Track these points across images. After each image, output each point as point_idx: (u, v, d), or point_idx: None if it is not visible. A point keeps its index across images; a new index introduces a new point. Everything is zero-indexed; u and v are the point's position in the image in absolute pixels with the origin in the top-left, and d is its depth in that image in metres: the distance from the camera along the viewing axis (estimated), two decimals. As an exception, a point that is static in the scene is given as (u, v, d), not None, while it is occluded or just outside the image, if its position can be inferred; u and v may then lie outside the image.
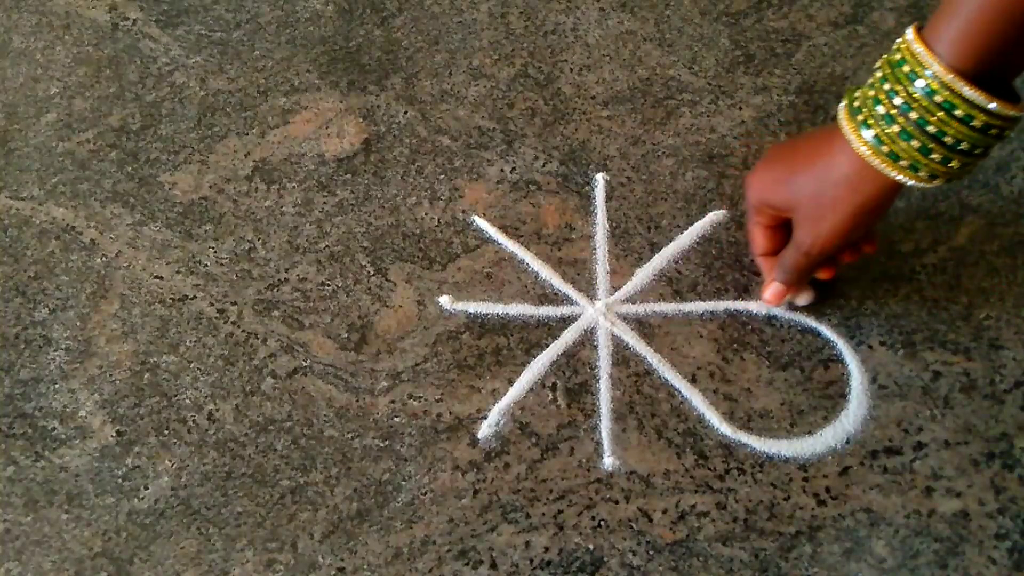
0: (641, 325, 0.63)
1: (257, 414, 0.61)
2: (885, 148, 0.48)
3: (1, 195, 0.70)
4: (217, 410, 0.61)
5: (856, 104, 0.50)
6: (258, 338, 0.64)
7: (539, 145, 0.71)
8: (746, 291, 0.64)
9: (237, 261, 0.67)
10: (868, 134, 0.48)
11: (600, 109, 0.72)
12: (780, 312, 0.63)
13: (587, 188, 0.69)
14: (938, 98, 0.45)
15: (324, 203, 0.69)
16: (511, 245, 0.67)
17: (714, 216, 0.67)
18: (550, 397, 0.61)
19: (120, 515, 0.58)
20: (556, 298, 0.65)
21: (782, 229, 0.59)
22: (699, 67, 0.74)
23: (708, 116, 0.72)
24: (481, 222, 0.68)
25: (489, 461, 0.59)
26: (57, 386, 0.62)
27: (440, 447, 0.59)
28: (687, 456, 0.59)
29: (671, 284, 0.65)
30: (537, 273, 0.66)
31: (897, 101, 0.47)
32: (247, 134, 0.73)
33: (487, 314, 0.64)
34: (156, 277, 0.66)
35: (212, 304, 0.65)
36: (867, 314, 0.63)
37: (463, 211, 0.68)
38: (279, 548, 0.57)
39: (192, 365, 0.63)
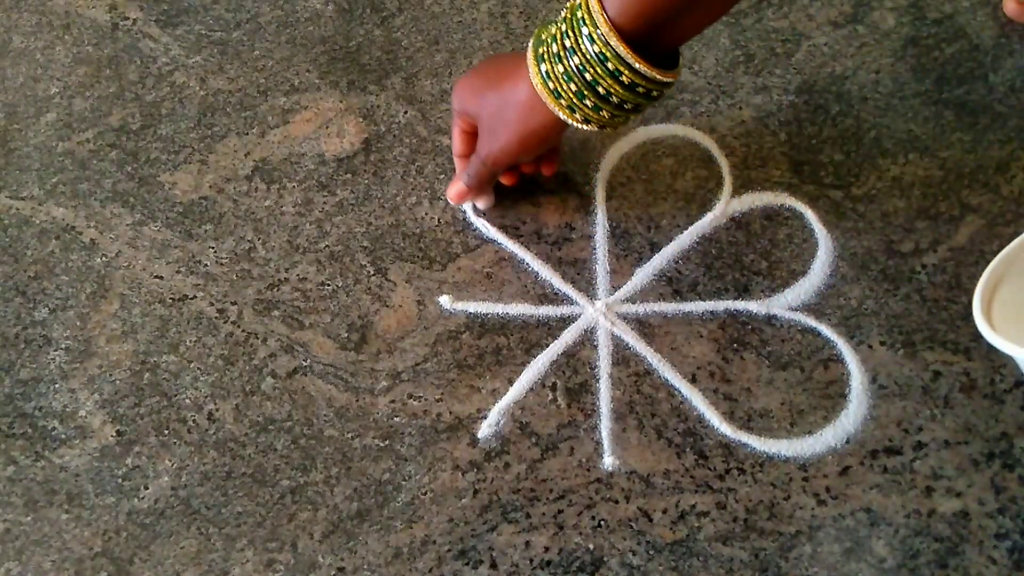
0: (641, 325, 0.63)
1: (257, 414, 0.61)
2: (551, 85, 0.52)
3: (1, 195, 0.70)
4: (217, 410, 0.61)
5: (542, 37, 0.54)
6: (258, 338, 0.64)
7: (539, 145, 0.71)
8: (746, 291, 0.64)
9: (237, 261, 0.67)
10: (542, 68, 0.53)
11: (600, 109, 0.72)
12: (780, 312, 0.63)
13: (587, 188, 0.69)
14: (596, 49, 0.49)
15: (324, 203, 0.69)
16: (511, 245, 0.67)
17: (714, 216, 0.67)
18: (550, 397, 0.61)
19: (120, 515, 0.58)
20: (556, 298, 0.65)
21: (476, 136, 0.62)
22: (699, 67, 0.74)
23: (708, 116, 0.72)
24: (481, 222, 0.68)
25: (489, 461, 0.59)
26: (57, 386, 0.62)
27: (440, 447, 0.59)
28: (687, 456, 0.59)
29: (671, 284, 0.65)
30: (537, 273, 0.66)
31: (567, 43, 0.51)
32: (247, 134, 0.73)
33: (487, 314, 0.64)
34: (156, 277, 0.66)
35: (212, 304, 0.65)
36: (867, 314, 0.63)
37: (463, 211, 0.68)
38: (279, 548, 0.57)
39: (192, 365, 0.63)
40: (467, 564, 0.56)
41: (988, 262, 0.64)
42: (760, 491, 0.57)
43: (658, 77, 0.50)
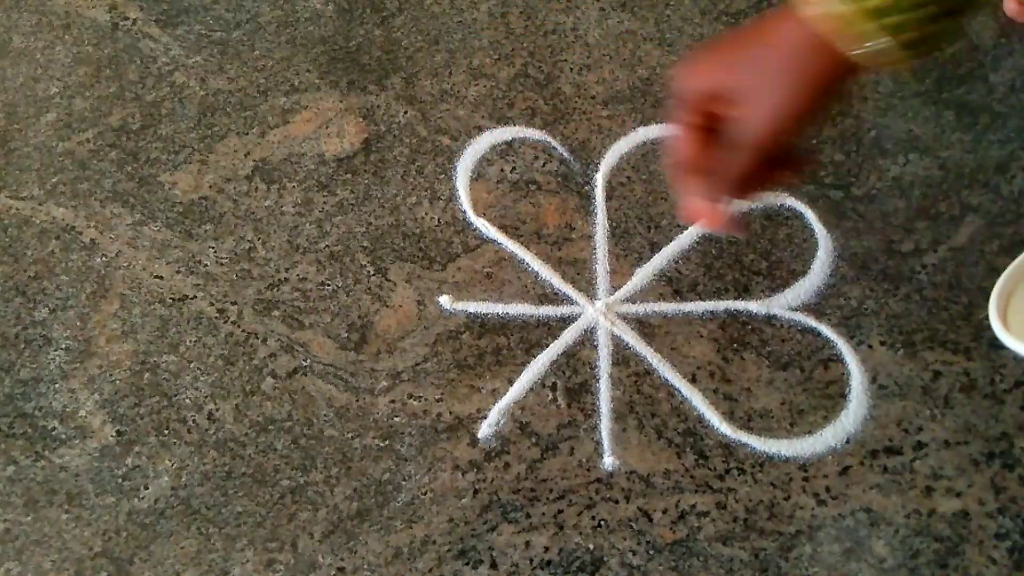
0: (641, 325, 0.63)
1: (257, 414, 0.61)
2: (836, 7, 0.42)
3: (1, 195, 0.70)
4: (217, 410, 0.61)
5: None
6: (258, 338, 0.64)
7: (539, 145, 0.71)
8: (746, 291, 0.64)
9: (237, 261, 0.67)
10: None
11: (600, 109, 0.72)
12: (780, 312, 0.63)
13: (587, 188, 0.69)
14: None
15: (324, 203, 0.69)
16: (511, 245, 0.67)
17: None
18: (550, 397, 0.61)
19: (120, 515, 0.58)
20: (556, 298, 0.65)
21: (712, 137, 0.48)
22: (699, 67, 0.74)
23: (708, 116, 0.72)
24: (481, 222, 0.68)
25: (489, 461, 0.59)
26: (57, 386, 0.62)
27: (440, 447, 0.59)
28: (687, 456, 0.59)
29: (671, 284, 0.65)
30: (537, 273, 0.66)
31: None
32: (247, 134, 0.73)
33: (487, 314, 0.64)
34: (156, 277, 0.66)
35: (212, 304, 0.65)
36: (867, 314, 0.63)
37: (463, 211, 0.68)
38: (279, 548, 0.57)
39: (192, 365, 0.63)
40: (467, 564, 0.56)
41: (988, 262, 0.64)
42: (760, 491, 0.57)
43: None
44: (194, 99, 0.75)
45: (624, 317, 0.64)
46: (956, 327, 0.62)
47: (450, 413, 0.60)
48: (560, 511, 0.57)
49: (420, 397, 0.61)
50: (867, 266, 0.65)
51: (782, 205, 0.68)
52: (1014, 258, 0.61)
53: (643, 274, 0.65)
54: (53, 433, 0.61)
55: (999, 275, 0.61)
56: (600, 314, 0.64)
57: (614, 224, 0.68)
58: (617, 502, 0.57)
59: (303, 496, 0.58)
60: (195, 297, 0.65)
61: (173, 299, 0.65)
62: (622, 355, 0.62)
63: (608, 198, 0.68)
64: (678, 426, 0.60)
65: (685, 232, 0.67)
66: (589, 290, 0.65)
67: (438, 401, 0.61)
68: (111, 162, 0.72)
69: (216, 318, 0.65)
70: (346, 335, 0.64)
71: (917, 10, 0.42)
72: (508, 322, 0.64)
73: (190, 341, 0.64)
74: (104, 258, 0.67)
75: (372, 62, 0.76)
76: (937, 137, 0.70)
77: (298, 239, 0.68)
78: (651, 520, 0.57)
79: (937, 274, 0.64)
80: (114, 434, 0.60)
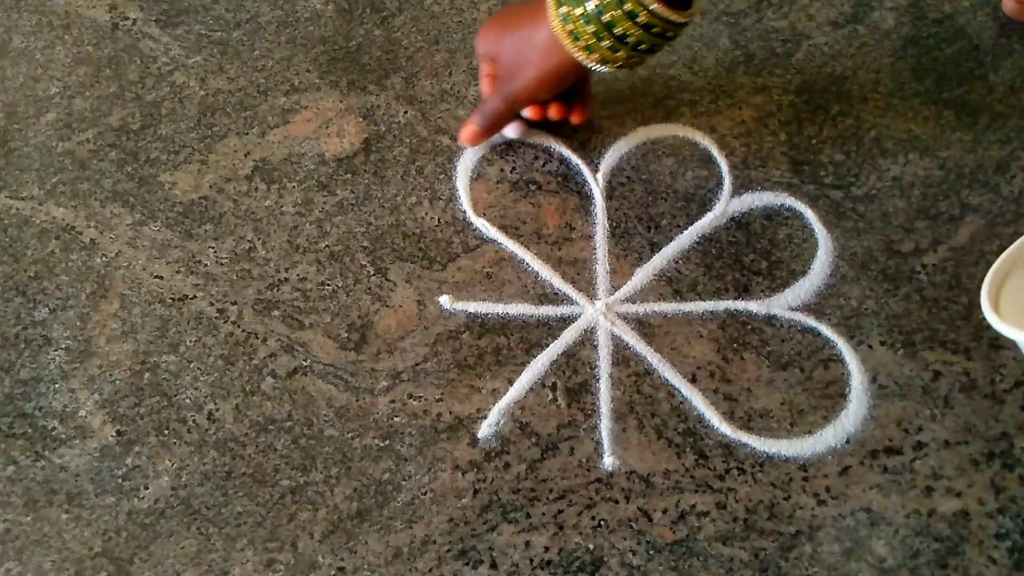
0: (641, 325, 0.63)
1: (257, 414, 0.61)
2: (570, 27, 0.55)
3: (1, 195, 0.70)
4: (217, 410, 0.61)
5: None
6: (258, 338, 0.64)
7: (539, 145, 0.71)
8: (746, 291, 0.64)
9: (237, 261, 0.67)
10: (560, 11, 0.55)
11: (600, 109, 0.72)
12: (780, 312, 0.63)
13: (587, 188, 0.69)
14: None
15: (324, 203, 0.69)
16: (511, 245, 0.67)
17: (714, 216, 0.67)
18: (550, 397, 0.61)
19: (120, 515, 0.58)
20: (556, 298, 0.65)
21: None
22: (699, 67, 0.74)
23: (708, 116, 0.72)
24: (481, 222, 0.68)
25: (489, 461, 0.59)
26: (57, 386, 0.62)
27: (440, 447, 0.59)
28: (687, 456, 0.59)
29: (671, 284, 0.65)
30: (537, 273, 0.66)
31: None
32: (247, 134, 0.73)
33: (487, 314, 0.64)
34: (156, 277, 0.66)
35: (212, 304, 0.65)
36: (867, 314, 0.63)
37: (463, 211, 0.68)
38: (279, 548, 0.57)
39: (192, 365, 0.63)
40: (467, 564, 0.56)
41: (988, 262, 0.64)
42: (760, 491, 0.57)
43: (673, 18, 0.53)
44: (194, 99, 0.75)
45: (624, 317, 0.64)
46: (956, 327, 0.62)
47: (450, 413, 0.60)
48: (560, 511, 0.57)
49: (420, 397, 0.61)
50: (867, 266, 0.65)
51: (782, 205, 0.68)
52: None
53: (643, 274, 0.65)
54: (53, 433, 0.61)
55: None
56: (600, 314, 0.64)
57: (614, 224, 0.68)
58: (617, 502, 0.57)
59: (303, 496, 0.58)
60: (195, 297, 0.65)
61: (173, 299, 0.65)
62: (622, 355, 0.62)
63: (608, 198, 0.68)
64: (678, 426, 0.60)
65: (685, 232, 0.67)
66: (589, 290, 0.65)
67: (438, 401, 0.61)
68: (111, 162, 0.72)
69: (216, 318, 0.65)
70: (346, 335, 0.64)
71: (614, 54, 0.55)
72: (508, 322, 0.64)
73: (190, 341, 0.64)
74: (104, 258, 0.67)
75: (372, 62, 0.76)
76: (937, 137, 0.70)
77: (298, 239, 0.68)
78: (651, 520, 0.57)
79: (937, 274, 0.64)
80: (114, 434, 0.60)
